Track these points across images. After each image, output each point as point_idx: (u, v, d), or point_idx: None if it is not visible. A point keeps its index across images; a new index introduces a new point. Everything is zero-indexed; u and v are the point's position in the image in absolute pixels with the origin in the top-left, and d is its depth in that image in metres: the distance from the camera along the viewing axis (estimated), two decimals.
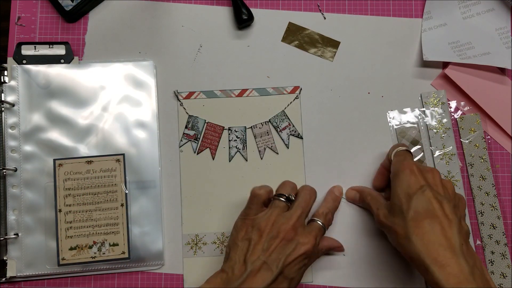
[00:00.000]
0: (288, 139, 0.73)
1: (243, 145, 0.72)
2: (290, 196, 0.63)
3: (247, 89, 0.74)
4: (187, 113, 0.73)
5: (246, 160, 0.72)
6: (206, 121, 0.73)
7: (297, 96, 0.74)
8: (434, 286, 0.53)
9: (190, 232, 0.71)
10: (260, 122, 0.73)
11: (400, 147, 0.65)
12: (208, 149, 0.72)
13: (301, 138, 0.73)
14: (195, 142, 0.73)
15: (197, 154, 0.72)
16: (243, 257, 0.58)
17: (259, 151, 0.73)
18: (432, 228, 0.55)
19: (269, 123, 0.73)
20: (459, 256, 0.53)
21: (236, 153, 0.72)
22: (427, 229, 0.55)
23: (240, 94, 0.73)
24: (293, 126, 0.73)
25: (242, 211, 0.64)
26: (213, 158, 0.72)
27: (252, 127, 0.73)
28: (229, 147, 0.72)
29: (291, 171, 0.72)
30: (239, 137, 0.73)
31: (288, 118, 0.73)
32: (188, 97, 0.73)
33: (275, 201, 0.63)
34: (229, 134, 0.73)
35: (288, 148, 0.73)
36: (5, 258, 0.68)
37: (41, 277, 0.68)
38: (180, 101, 0.73)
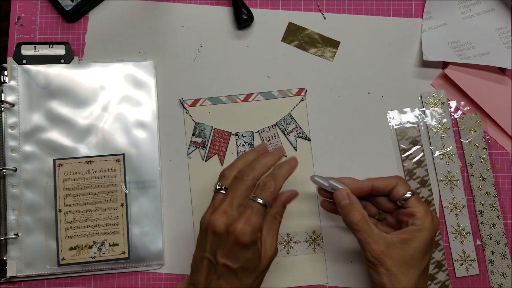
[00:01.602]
0: (296, 141, 0.73)
1: None
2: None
3: (252, 94, 0.74)
4: (193, 120, 0.73)
5: None
6: (213, 128, 0.73)
7: (302, 98, 0.74)
8: None
9: None
10: (267, 126, 0.73)
11: (410, 189, 0.60)
12: (216, 155, 0.72)
13: (309, 140, 0.73)
14: (203, 149, 0.72)
15: (206, 161, 0.72)
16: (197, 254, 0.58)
17: None
18: None
19: (276, 126, 0.73)
20: None
21: None
22: None
23: (246, 99, 0.73)
24: (300, 128, 0.73)
25: None
26: (222, 164, 0.72)
27: (259, 131, 0.73)
28: (237, 153, 0.72)
29: (300, 173, 0.71)
30: (246, 142, 0.73)
31: (295, 121, 0.73)
32: (193, 104, 0.73)
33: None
34: (236, 139, 0.73)
35: (296, 150, 0.73)
36: (5, 258, 0.68)
37: (41, 277, 0.68)
38: (186, 108, 0.73)
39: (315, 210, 0.71)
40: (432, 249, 0.58)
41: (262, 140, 0.73)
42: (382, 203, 0.62)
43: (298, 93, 0.74)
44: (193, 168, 0.72)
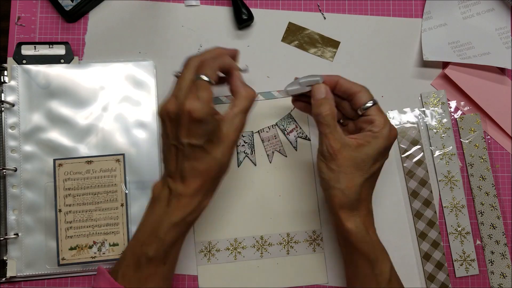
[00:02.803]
0: (296, 141, 0.73)
1: (251, 150, 0.72)
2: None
3: None
4: None
5: (255, 165, 0.72)
6: None
7: None
8: (342, 230, 0.59)
9: (202, 239, 0.71)
10: (267, 126, 0.73)
11: (373, 98, 0.61)
12: None
13: (309, 139, 0.73)
14: None
15: None
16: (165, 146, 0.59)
17: (268, 155, 0.72)
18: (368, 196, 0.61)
19: (276, 126, 0.73)
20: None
21: (244, 158, 0.72)
22: (367, 197, 0.60)
23: None
24: (300, 128, 0.73)
25: None
26: None
27: (259, 131, 0.73)
28: (237, 152, 0.72)
29: (300, 172, 0.72)
30: (246, 142, 0.73)
31: (295, 121, 0.73)
32: None
33: None
34: None
35: (296, 150, 0.73)
36: (5, 258, 0.68)
37: (41, 277, 0.68)
38: None
39: (315, 210, 0.71)
40: (384, 158, 0.60)
41: (262, 141, 0.73)
42: (346, 108, 0.63)
43: None
44: None
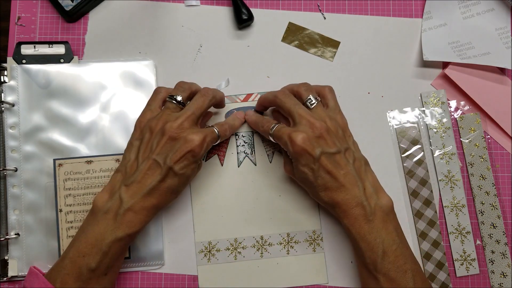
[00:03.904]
0: None
1: (251, 150, 0.72)
2: (180, 99, 0.63)
3: (252, 94, 0.73)
4: None
5: (255, 165, 0.72)
6: None
7: None
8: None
9: (202, 239, 0.70)
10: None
11: (275, 123, 0.65)
12: (216, 155, 0.72)
13: None
14: None
15: (206, 161, 0.72)
16: (135, 156, 0.61)
17: (268, 155, 0.72)
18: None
19: None
20: None
21: (244, 158, 0.72)
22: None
23: (246, 99, 0.73)
24: None
25: (143, 109, 0.66)
26: (222, 165, 0.72)
27: None
28: (237, 153, 0.72)
29: None
30: (246, 142, 0.72)
31: None
32: None
33: (167, 102, 0.64)
34: (236, 139, 0.72)
35: None
36: (6, 257, 0.68)
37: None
38: None
39: (315, 210, 0.71)
40: (308, 163, 0.60)
41: (263, 140, 0.73)
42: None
43: None
44: None
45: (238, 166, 0.72)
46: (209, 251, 0.70)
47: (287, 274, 0.70)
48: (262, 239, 0.71)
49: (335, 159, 0.59)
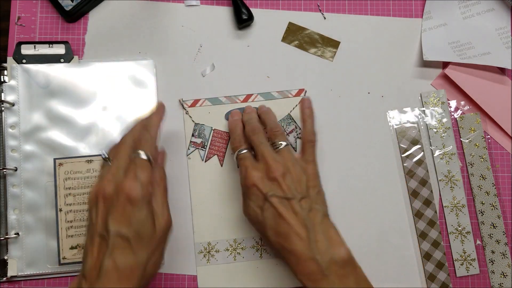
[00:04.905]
0: (295, 142, 0.72)
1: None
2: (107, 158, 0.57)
3: (252, 94, 0.73)
4: (193, 121, 0.72)
5: None
6: (213, 128, 0.72)
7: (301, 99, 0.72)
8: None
9: (202, 240, 0.70)
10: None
11: (240, 149, 0.64)
12: (216, 156, 0.72)
13: None
14: (203, 149, 0.72)
15: (205, 161, 0.72)
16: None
17: None
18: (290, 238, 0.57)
19: None
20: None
21: None
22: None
23: (245, 100, 0.73)
24: (300, 129, 0.72)
25: None
26: (221, 165, 0.72)
27: None
28: None
29: None
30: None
31: (294, 121, 0.73)
32: (193, 105, 0.73)
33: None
34: None
35: (296, 151, 0.72)
36: (6, 257, 0.68)
37: (42, 276, 0.68)
38: (185, 109, 0.73)
39: None
40: (254, 206, 0.60)
41: None
42: None
43: (297, 94, 0.73)
44: (192, 169, 0.72)
45: (238, 167, 0.71)
46: (209, 252, 0.70)
47: (287, 275, 0.70)
48: (261, 240, 0.70)
49: (288, 203, 0.57)
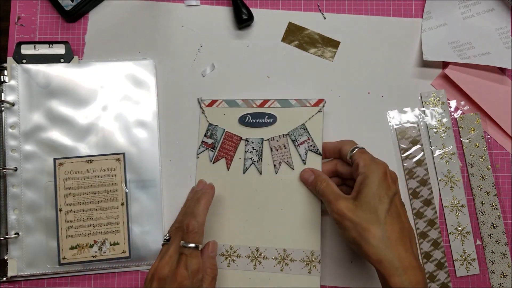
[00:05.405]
0: (306, 154, 0.70)
1: (259, 158, 0.70)
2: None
3: (269, 100, 0.72)
4: (207, 121, 0.72)
5: (260, 173, 0.70)
6: (225, 130, 0.72)
7: (320, 109, 0.70)
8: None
9: None
10: (278, 134, 0.71)
11: (356, 145, 0.65)
12: (224, 158, 0.71)
13: (320, 154, 0.69)
14: (212, 151, 0.72)
15: (213, 163, 0.71)
16: None
17: (274, 165, 0.70)
18: (403, 235, 0.57)
19: (287, 136, 0.70)
20: (419, 265, 0.57)
21: (251, 165, 0.70)
22: (399, 235, 0.57)
23: (262, 105, 0.72)
24: (313, 141, 0.70)
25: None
26: (228, 169, 0.71)
27: (270, 139, 0.71)
28: (245, 159, 0.71)
29: (306, 189, 0.69)
30: (255, 149, 0.71)
31: (308, 132, 0.70)
32: (210, 105, 0.73)
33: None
34: (245, 145, 0.71)
35: (305, 164, 0.69)
36: (6, 257, 0.68)
37: (42, 276, 0.68)
38: (202, 108, 0.73)
39: (316, 230, 0.68)
40: (388, 191, 0.59)
41: (271, 149, 0.70)
42: (342, 170, 0.67)
43: (316, 104, 0.70)
44: (200, 169, 0.72)
45: (244, 173, 0.71)
46: (230, 256, 0.69)
47: None
48: (257, 250, 0.69)
49: (403, 208, 0.61)
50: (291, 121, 0.71)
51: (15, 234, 0.68)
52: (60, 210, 0.68)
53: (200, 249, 0.60)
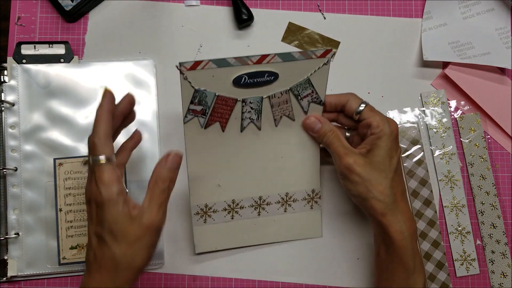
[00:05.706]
0: (308, 106, 0.64)
1: (258, 116, 0.64)
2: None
3: (267, 55, 0.59)
4: (192, 86, 0.59)
5: (259, 129, 0.65)
6: (216, 95, 0.60)
7: (327, 61, 0.61)
8: (386, 236, 0.59)
9: (198, 203, 0.67)
10: (279, 91, 0.62)
11: (362, 101, 0.63)
12: (217, 123, 0.63)
13: (323, 105, 0.64)
14: (203, 117, 0.62)
15: (205, 128, 0.63)
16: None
17: (275, 120, 0.65)
18: (404, 190, 0.62)
19: (290, 91, 0.63)
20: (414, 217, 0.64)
21: (249, 123, 0.64)
22: (402, 191, 0.61)
23: (259, 61, 0.59)
24: (317, 93, 0.63)
25: None
26: (223, 131, 0.64)
27: (270, 97, 0.62)
28: (242, 119, 0.64)
29: (305, 134, 0.67)
30: (254, 108, 0.63)
31: (312, 86, 0.63)
32: (193, 67, 0.58)
33: None
34: (243, 106, 0.62)
35: (306, 114, 0.65)
36: (5, 257, 0.68)
37: (42, 276, 0.68)
38: (183, 74, 0.58)
39: (316, 171, 0.69)
40: (397, 152, 0.61)
41: (272, 106, 0.64)
42: (344, 122, 0.66)
43: (323, 55, 0.61)
44: (189, 135, 0.63)
45: (241, 131, 0.65)
46: (205, 213, 0.68)
47: (283, 230, 0.71)
48: (260, 199, 0.69)
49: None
50: (295, 75, 0.62)
51: (15, 234, 0.68)
52: (60, 210, 0.68)
53: (110, 159, 0.54)
